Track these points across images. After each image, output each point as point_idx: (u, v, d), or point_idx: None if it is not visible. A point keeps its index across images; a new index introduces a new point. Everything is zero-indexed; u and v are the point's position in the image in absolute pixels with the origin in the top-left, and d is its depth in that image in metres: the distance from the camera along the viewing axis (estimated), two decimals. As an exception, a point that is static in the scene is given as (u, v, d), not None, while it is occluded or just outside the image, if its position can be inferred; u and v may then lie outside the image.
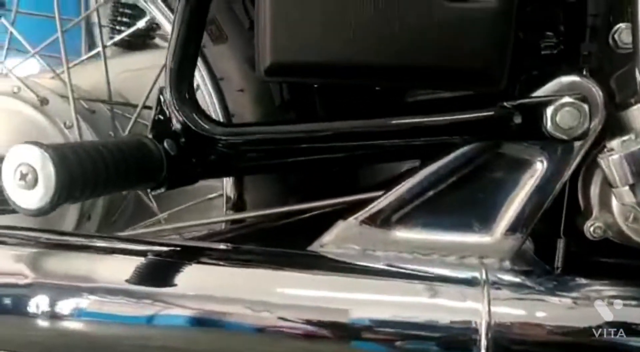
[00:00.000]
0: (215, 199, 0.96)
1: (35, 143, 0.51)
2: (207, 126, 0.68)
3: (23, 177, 0.51)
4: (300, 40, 0.64)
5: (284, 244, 0.84)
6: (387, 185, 0.72)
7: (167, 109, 0.68)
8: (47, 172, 0.50)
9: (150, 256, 0.66)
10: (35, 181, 0.50)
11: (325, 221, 0.75)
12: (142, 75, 1.10)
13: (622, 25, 0.69)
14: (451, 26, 0.61)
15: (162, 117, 0.69)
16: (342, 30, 0.62)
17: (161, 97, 0.69)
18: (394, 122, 0.65)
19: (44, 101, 0.95)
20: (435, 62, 0.62)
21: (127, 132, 0.98)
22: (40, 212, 0.51)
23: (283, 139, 0.68)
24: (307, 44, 0.63)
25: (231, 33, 0.84)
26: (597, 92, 0.63)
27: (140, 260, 0.66)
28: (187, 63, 0.68)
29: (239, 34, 0.84)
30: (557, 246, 0.71)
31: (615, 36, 0.69)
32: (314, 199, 0.83)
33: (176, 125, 0.69)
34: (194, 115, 0.67)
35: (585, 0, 0.70)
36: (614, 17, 0.70)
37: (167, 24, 0.88)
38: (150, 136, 0.66)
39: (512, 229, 0.66)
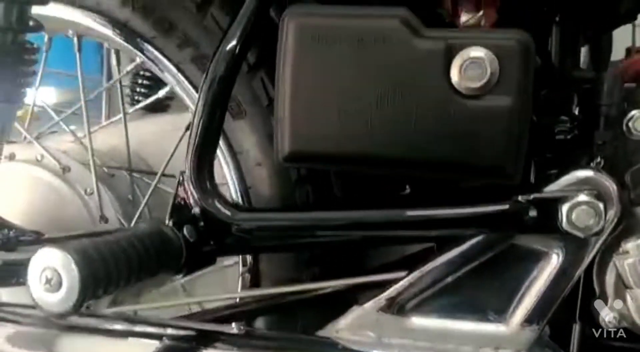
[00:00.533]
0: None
1: (59, 246, 0.52)
2: (227, 212, 0.69)
3: (48, 281, 0.52)
4: (319, 131, 0.65)
5: (298, 317, 0.85)
6: (402, 264, 0.73)
7: (188, 194, 0.70)
8: (71, 275, 0.52)
9: (165, 341, 0.67)
10: (60, 284, 0.52)
11: (339, 297, 0.76)
12: (162, 137, 1.13)
13: (636, 112, 0.70)
14: (467, 122, 0.62)
15: (181, 202, 0.71)
16: (359, 122, 0.64)
17: (181, 180, 0.71)
18: (408, 213, 0.66)
19: (65, 169, 0.97)
20: (450, 156, 0.63)
21: (147, 197, 1.00)
22: (65, 315, 0.52)
23: (300, 226, 0.69)
24: (325, 135, 0.65)
25: (250, 109, 0.86)
26: (612, 187, 0.63)
27: (156, 344, 0.66)
28: (207, 150, 0.70)
29: (257, 111, 0.86)
30: (573, 330, 0.71)
31: (630, 124, 0.70)
32: (329, 271, 0.84)
33: (196, 210, 0.70)
34: (215, 202, 0.69)
35: (600, 86, 0.71)
36: (629, 103, 0.71)
37: (185, 97, 0.90)
38: (169, 223, 0.68)
39: (529, 320, 0.66)
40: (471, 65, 0.61)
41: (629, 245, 0.61)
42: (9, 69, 0.76)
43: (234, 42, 0.73)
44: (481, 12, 0.71)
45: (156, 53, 0.89)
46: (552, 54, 0.78)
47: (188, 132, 0.72)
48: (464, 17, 0.72)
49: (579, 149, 0.73)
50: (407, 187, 0.81)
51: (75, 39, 0.98)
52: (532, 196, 0.64)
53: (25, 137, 1.03)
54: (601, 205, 0.61)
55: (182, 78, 0.90)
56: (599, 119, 0.70)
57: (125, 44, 0.91)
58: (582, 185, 0.64)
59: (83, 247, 0.53)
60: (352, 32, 0.64)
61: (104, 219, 0.96)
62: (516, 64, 0.61)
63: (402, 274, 0.69)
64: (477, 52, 0.61)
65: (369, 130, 0.64)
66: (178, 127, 1.02)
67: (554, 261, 0.65)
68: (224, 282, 1.07)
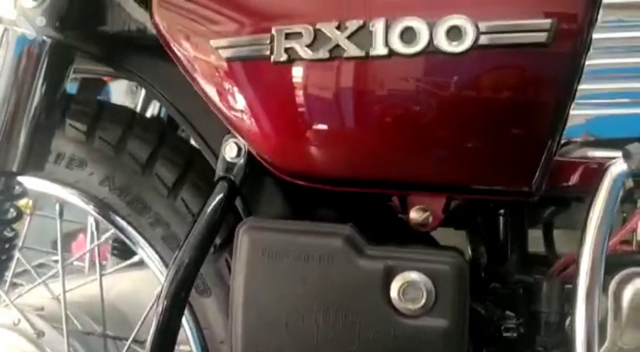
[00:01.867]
0: None
1: None
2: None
3: None
4: (268, 342, 0.69)
5: None
6: None
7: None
8: None
9: None
10: None
11: None
12: (138, 290, 1.16)
13: (575, 316, 0.72)
14: (407, 340, 0.65)
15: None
16: (305, 337, 0.68)
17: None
18: None
19: (40, 334, 1.00)
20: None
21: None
22: None
23: None
24: (274, 346, 0.69)
25: (215, 289, 0.90)
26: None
27: None
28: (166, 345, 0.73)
29: (221, 290, 0.89)
30: None
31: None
32: None
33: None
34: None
35: (538, 291, 0.74)
36: (570, 305, 0.74)
37: (156, 271, 0.94)
38: None
39: None
40: (409, 288, 0.66)
41: None
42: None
43: (201, 229, 0.77)
44: (428, 212, 0.76)
45: (130, 229, 0.94)
46: (500, 245, 0.82)
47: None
48: (412, 215, 0.77)
49: (526, 347, 0.76)
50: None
51: (57, 206, 1.04)
52: None
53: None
54: None
55: (153, 253, 0.94)
56: (539, 324, 0.73)
57: (101, 218, 0.96)
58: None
59: None
60: (299, 250, 0.69)
61: (73, 386, 0.98)
62: (450, 288, 0.65)
63: None
64: (414, 275, 0.66)
65: (314, 345, 0.67)
66: (155, 283, 1.05)
67: None
68: None
